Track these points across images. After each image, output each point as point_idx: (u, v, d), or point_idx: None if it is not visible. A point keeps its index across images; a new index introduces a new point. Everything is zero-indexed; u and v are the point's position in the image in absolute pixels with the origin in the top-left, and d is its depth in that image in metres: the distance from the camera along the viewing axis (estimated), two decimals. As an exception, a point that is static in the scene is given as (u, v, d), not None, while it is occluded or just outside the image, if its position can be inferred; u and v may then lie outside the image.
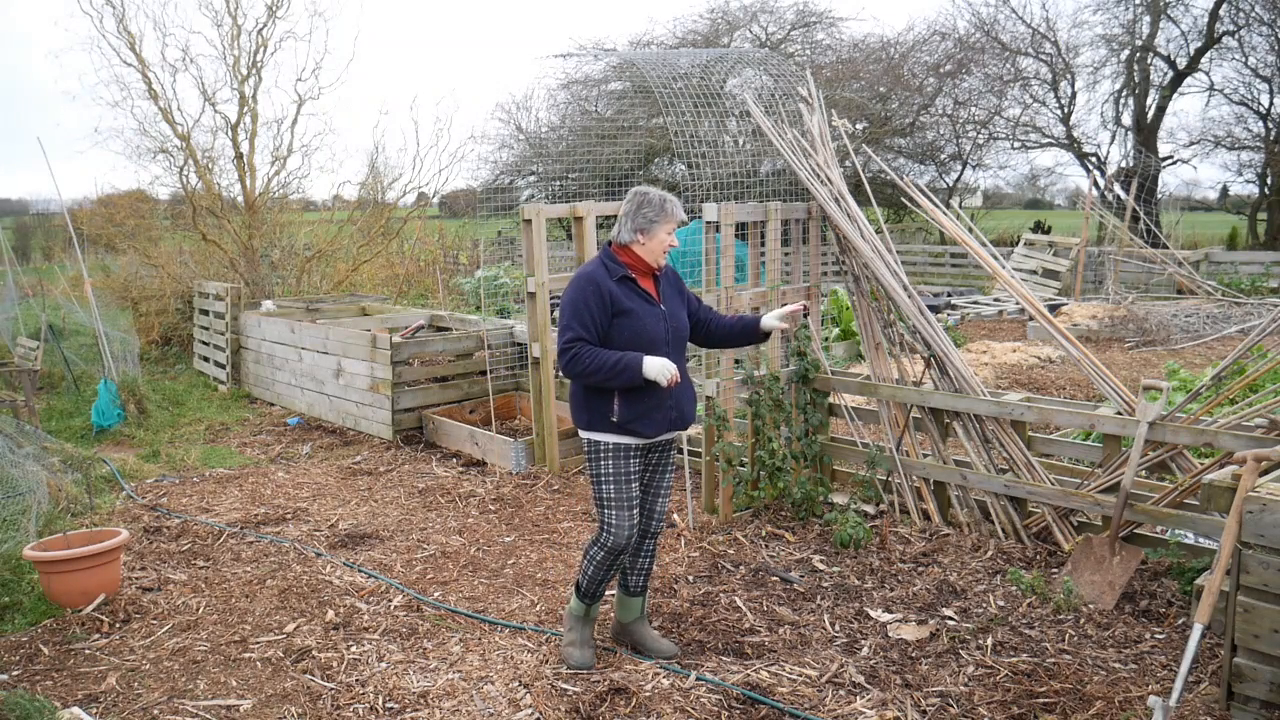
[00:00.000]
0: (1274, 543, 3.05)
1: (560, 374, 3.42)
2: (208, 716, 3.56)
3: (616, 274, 3.56)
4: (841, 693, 3.55)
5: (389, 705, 3.57)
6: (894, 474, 5.36)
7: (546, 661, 3.86)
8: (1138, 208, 16.28)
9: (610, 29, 54.82)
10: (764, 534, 5.23)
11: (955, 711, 3.40)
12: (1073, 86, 23.75)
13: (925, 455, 5.32)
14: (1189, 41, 22.65)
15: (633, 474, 3.62)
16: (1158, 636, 3.90)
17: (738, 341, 3.96)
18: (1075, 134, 24.08)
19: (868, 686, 3.58)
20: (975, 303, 15.45)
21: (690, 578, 4.69)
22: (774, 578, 4.65)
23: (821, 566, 4.77)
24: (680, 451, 6.13)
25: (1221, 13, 21.53)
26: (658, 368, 3.45)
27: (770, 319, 3.86)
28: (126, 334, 9.95)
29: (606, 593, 4.09)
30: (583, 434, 3.68)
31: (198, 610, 4.51)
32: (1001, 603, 4.26)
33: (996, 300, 15.52)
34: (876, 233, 5.49)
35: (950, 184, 25.33)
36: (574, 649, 3.78)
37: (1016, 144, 24.52)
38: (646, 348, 3.53)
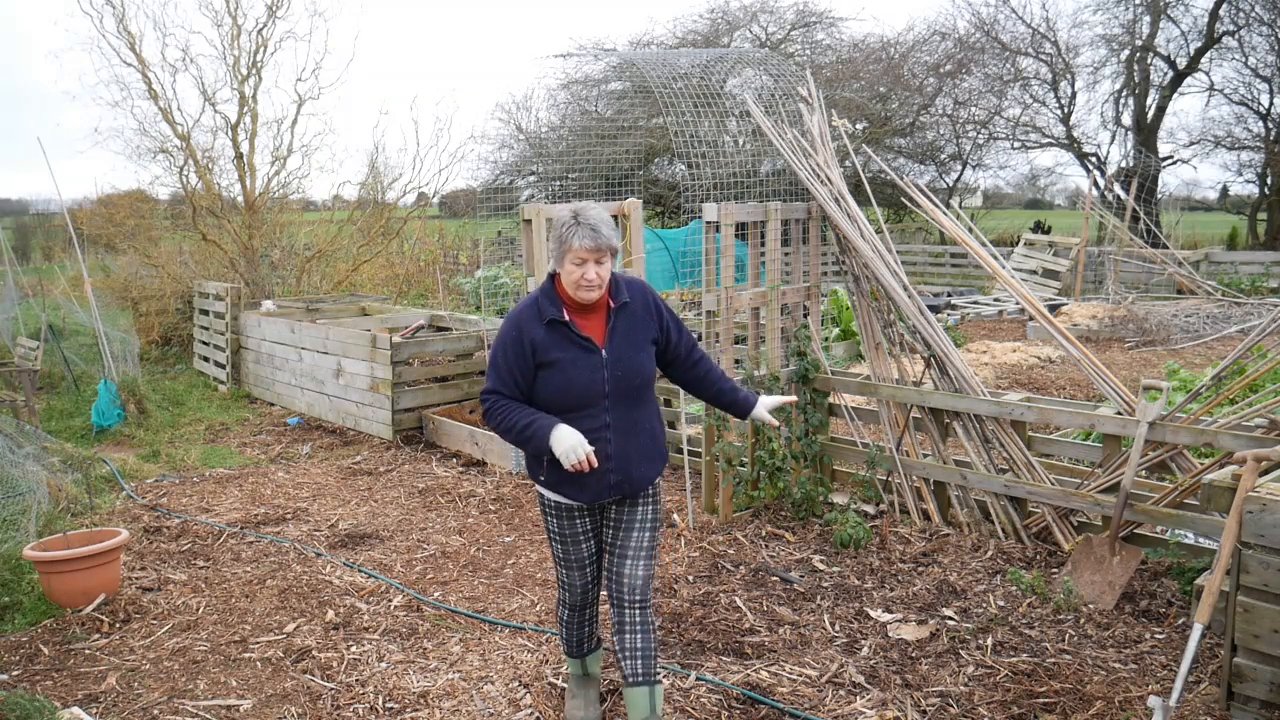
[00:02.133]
0: (1274, 543, 3.05)
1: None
2: (208, 716, 3.56)
3: (547, 315, 2.98)
4: (841, 693, 3.55)
5: (389, 705, 3.57)
6: (894, 474, 5.36)
7: (546, 661, 3.86)
8: (1138, 208, 16.29)
9: (610, 29, 54.84)
10: (764, 534, 5.23)
11: (955, 711, 3.40)
12: (1073, 86, 23.79)
13: (925, 455, 5.32)
14: (1189, 41, 22.68)
15: (580, 534, 3.19)
16: (1158, 636, 3.90)
17: (717, 406, 3.43)
18: (1075, 134, 24.10)
19: (868, 686, 3.58)
20: (975, 303, 15.45)
21: (690, 578, 4.69)
22: (774, 578, 4.65)
23: (821, 566, 4.77)
24: (683, 452, 6.13)
25: (1221, 13, 21.54)
26: (566, 446, 2.87)
27: (761, 410, 3.36)
28: (126, 334, 9.95)
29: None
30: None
31: (198, 610, 4.51)
32: (1001, 603, 4.26)
33: (996, 300, 15.53)
34: (876, 233, 5.49)
35: (950, 184, 25.35)
36: (576, 711, 3.40)
37: (1016, 144, 24.56)
38: (576, 404, 2.98)
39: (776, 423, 3.38)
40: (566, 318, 2.98)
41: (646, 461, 3.12)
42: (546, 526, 3.25)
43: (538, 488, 3.17)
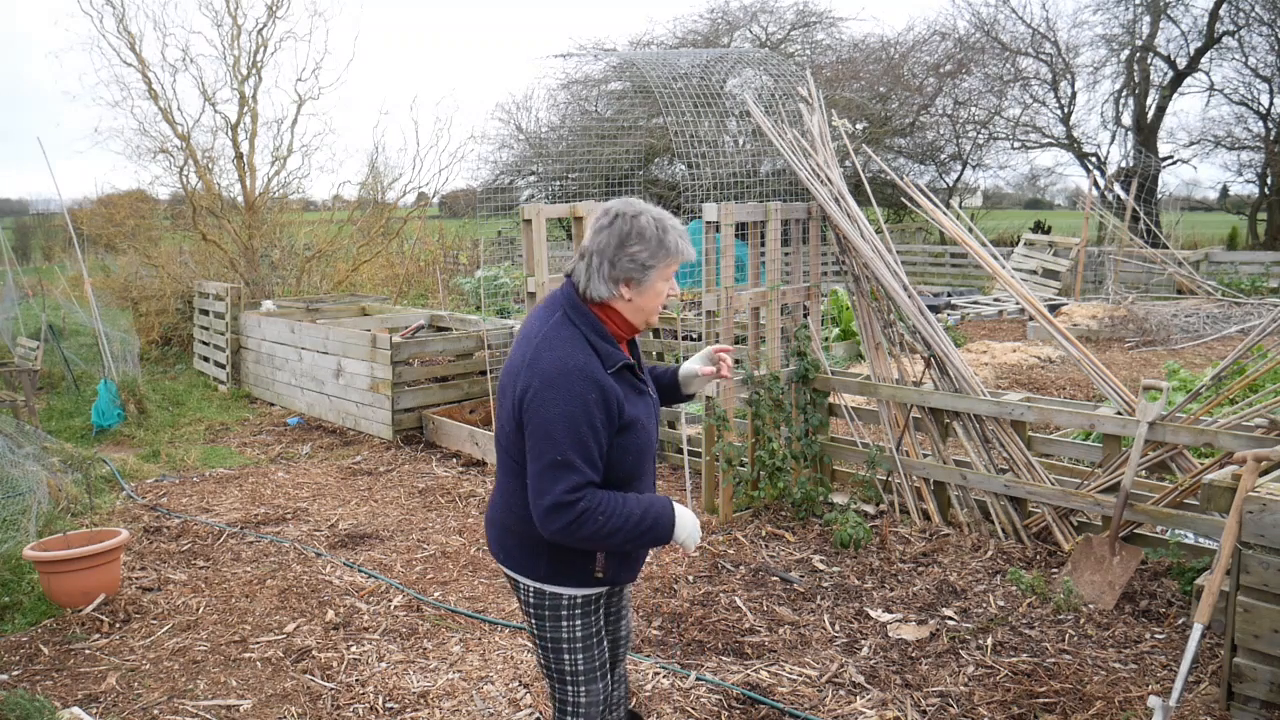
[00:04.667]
0: (1274, 543, 3.05)
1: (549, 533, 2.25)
2: (208, 716, 3.56)
3: (613, 361, 2.25)
4: (841, 693, 3.55)
5: (389, 705, 3.57)
6: (894, 474, 5.36)
7: (546, 661, 3.86)
8: (1138, 208, 16.28)
9: (610, 29, 54.94)
10: (764, 534, 5.23)
11: (955, 711, 3.40)
12: (1073, 86, 23.79)
13: (925, 455, 5.32)
14: (1189, 41, 22.69)
15: (603, 630, 2.53)
16: (1158, 636, 3.90)
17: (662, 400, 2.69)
18: (1075, 134, 24.10)
19: (868, 686, 3.58)
20: (975, 303, 15.45)
21: (690, 578, 4.69)
22: (774, 578, 4.65)
23: (821, 566, 4.77)
24: (682, 452, 6.13)
25: (1221, 13, 21.55)
26: (692, 527, 2.32)
27: (691, 363, 2.69)
28: (126, 334, 9.95)
29: None
30: (529, 583, 2.41)
31: (198, 610, 4.51)
32: (1001, 603, 4.26)
33: (996, 300, 15.52)
34: (876, 233, 5.50)
35: (950, 184, 25.35)
36: None
37: (1016, 144, 24.56)
38: (646, 470, 2.39)
39: (711, 368, 2.65)
40: (631, 360, 2.33)
41: None
42: (556, 638, 2.43)
43: (555, 589, 2.39)
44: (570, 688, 2.47)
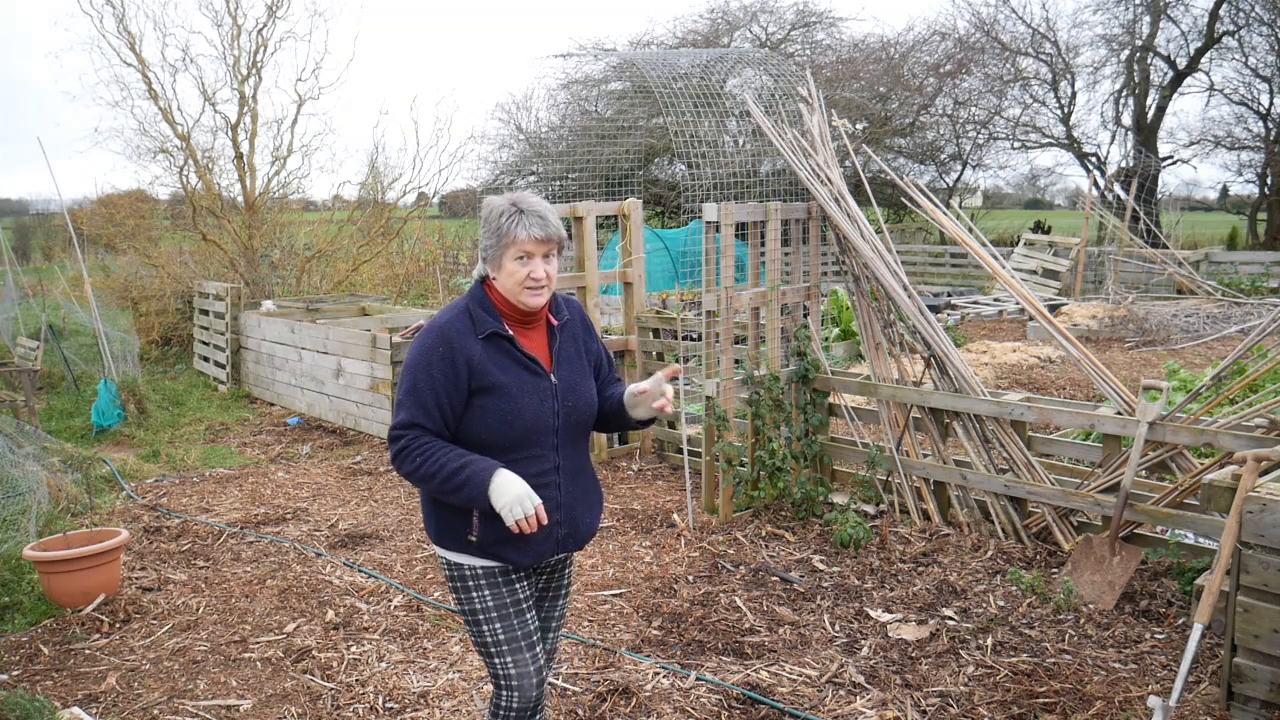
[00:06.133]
0: (1274, 543, 3.05)
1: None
2: (208, 716, 3.56)
3: (485, 328, 2.45)
4: (841, 693, 3.55)
5: (389, 705, 3.57)
6: (894, 474, 5.36)
7: (546, 661, 3.86)
8: (1138, 208, 16.27)
9: (610, 29, 54.98)
10: (764, 534, 5.23)
11: (955, 711, 3.40)
12: (1073, 86, 23.79)
13: (925, 455, 5.32)
14: (1189, 41, 22.68)
15: (523, 601, 2.55)
16: (1158, 636, 3.90)
17: (612, 424, 2.72)
18: (1075, 134, 24.10)
19: (868, 686, 3.59)
20: (975, 303, 15.45)
21: (690, 578, 4.69)
22: (774, 578, 4.65)
23: (821, 566, 4.77)
24: (682, 452, 6.12)
25: (1221, 13, 21.54)
26: (510, 497, 2.31)
27: (636, 385, 2.60)
28: (126, 334, 9.96)
29: None
30: (439, 551, 2.58)
31: (198, 610, 4.51)
32: (1001, 603, 4.26)
33: (996, 300, 15.52)
34: (876, 233, 5.50)
35: (950, 184, 25.34)
36: None
37: (1016, 144, 24.55)
38: (520, 442, 2.44)
39: (648, 386, 2.55)
40: (509, 331, 2.48)
41: (591, 510, 2.64)
42: (470, 609, 2.52)
43: (452, 557, 2.52)
44: (497, 660, 2.54)
